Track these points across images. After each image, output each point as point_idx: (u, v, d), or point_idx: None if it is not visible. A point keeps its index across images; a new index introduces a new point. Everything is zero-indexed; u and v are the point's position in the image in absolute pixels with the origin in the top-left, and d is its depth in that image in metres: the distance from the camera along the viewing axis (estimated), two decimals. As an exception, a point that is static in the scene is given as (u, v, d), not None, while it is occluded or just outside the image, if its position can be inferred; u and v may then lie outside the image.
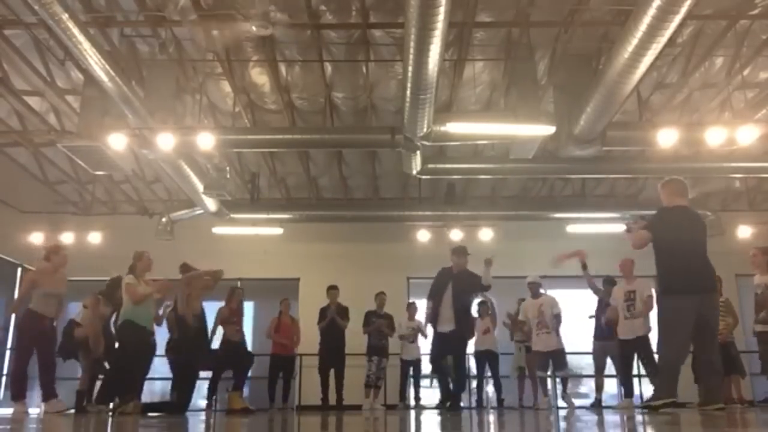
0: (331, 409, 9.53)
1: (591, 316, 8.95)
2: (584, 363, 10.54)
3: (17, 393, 6.82)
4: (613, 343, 8.52)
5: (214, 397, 8.91)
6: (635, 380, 8.90)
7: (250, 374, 9.43)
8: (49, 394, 6.91)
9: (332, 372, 9.79)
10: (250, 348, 9.72)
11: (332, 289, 9.98)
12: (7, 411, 8.07)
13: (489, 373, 10.02)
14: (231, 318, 9.03)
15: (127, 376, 6.66)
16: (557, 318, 8.88)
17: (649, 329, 8.02)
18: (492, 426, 3.43)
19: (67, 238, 11.60)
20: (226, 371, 8.89)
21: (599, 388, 8.88)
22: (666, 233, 5.01)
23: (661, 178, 11.08)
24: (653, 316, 8.47)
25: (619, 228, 11.87)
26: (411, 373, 10.33)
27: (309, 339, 10.17)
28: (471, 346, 10.29)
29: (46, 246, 7.35)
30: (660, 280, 5.04)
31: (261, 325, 10.61)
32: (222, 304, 9.17)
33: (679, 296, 4.88)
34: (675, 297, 4.91)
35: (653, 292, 8.11)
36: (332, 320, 9.75)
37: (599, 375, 8.86)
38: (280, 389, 9.82)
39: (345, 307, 9.95)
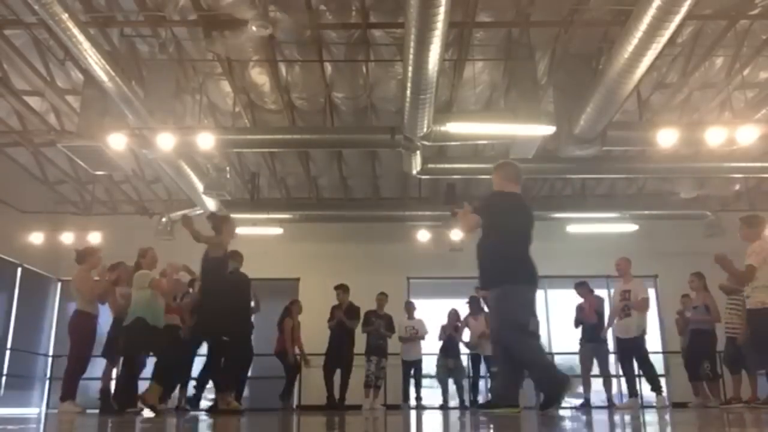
0: (331, 409, 9.52)
1: (580, 324, 9.00)
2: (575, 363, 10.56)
3: (68, 392, 6.83)
4: (599, 345, 8.62)
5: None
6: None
7: (249, 374, 9.44)
8: (67, 394, 6.88)
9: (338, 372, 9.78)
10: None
11: (338, 289, 9.94)
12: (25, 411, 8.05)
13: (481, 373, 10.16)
14: None
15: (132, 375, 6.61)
16: None
17: (643, 331, 8.04)
18: (492, 426, 3.43)
19: (67, 238, 11.62)
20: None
21: (586, 388, 8.93)
22: (499, 219, 4.52)
23: (661, 178, 11.23)
24: (652, 319, 8.58)
25: (620, 228, 11.95)
26: (412, 373, 10.34)
27: (309, 339, 10.15)
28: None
29: (79, 249, 7.38)
30: (498, 269, 4.40)
31: (261, 325, 10.56)
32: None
33: (527, 286, 4.39)
34: (522, 287, 4.36)
35: (648, 293, 8.15)
36: (340, 321, 9.74)
37: (586, 375, 8.91)
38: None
39: (357, 306, 9.89)
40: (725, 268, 6.48)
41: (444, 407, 10.01)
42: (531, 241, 4.52)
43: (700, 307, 8.19)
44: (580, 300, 8.95)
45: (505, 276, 4.35)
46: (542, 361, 4.39)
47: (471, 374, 10.22)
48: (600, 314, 8.79)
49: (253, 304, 8.77)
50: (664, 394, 8.34)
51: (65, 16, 5.81)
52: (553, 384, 4.21)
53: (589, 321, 8.73)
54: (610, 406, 8.74)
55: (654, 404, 8.36)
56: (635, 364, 8.29)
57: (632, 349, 8.06)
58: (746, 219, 6.59)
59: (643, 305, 8.10)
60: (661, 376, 11.31)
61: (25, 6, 6.54)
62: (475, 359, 10.13)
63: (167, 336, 6.86)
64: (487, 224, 4.53)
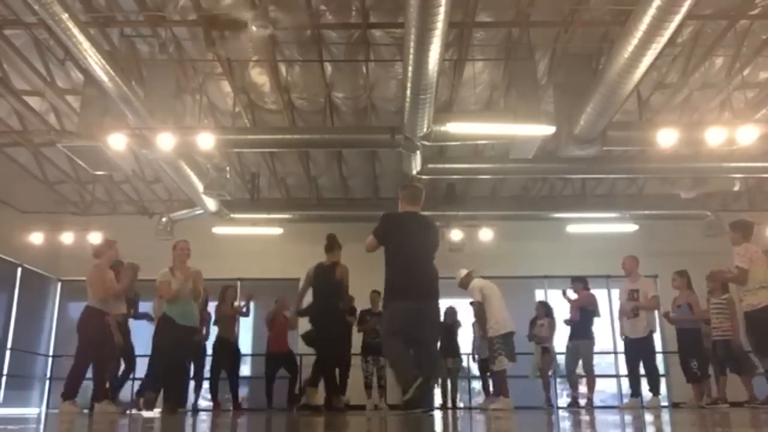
0: (331, 409, 9.50)
1: (566, 321, 9.02)
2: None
3: (70, 392, 6.52)
4: (583, 342, 8.69)
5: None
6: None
7: (249, 374, 9.46)
8: (101, 395, 6.62)
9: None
10: (250, 348, 9.71)
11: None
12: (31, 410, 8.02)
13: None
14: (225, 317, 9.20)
15: (159, 375, 6.55)
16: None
17: (651, 331, 8.03)
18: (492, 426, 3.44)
19: (67, 238, 11.62)
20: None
21: (573, 387, 8.98)
22: (389, 238, 5.11)
23: (661, 178, 11.25)
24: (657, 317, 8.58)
25: (620, 228, 11.95)
26: None
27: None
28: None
29: (96, 244, 7.16)
30: (385, 285, 5.05)
31: (261, 325, 10.57)
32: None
33: (398, 301, 4.92)
34: (394, 302, 4.95)
35: (654, 291, 8.15)
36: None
37: (572, 374, 8.97)
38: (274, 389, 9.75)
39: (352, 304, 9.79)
40: (723, 280, 7.03)
41: (444, 407, 10.00)
42: (424, 254, 5.08)
43: (684, 306, 8.18)
44: (575, 296, 9.02)
45: (385, 296, 5.08)
46: (397, 361, 4.92)
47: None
48: (588, 312, 8.82)
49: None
50: (661, 395, 8.33)
51: (65, 16, 5.80)
52: (403, 382, 4.65)
53: (572, 319, 8.82)
54: (591, 407, 8.79)
55: (648, 404, 8.36)
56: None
57: (641, 350, 8.02)
58: (731, 224, 6.91)
59: (654, 304, 8.11)
60: (662, 376, 11.39)
61: (25, 6, 6.54)
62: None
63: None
64: (383, 244, 5.21)
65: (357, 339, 9.99)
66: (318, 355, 7.30)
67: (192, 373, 8.30)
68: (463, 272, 7.96)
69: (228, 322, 9.17)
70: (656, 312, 8.46)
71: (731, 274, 6.72)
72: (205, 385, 9.04)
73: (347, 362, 9.23)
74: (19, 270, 11.87)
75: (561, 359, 9.49)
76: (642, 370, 8.15)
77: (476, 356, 10.23)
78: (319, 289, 7.26)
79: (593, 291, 9.15)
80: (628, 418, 4.75)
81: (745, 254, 6.52)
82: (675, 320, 8.32)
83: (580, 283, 9.02)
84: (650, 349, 8.08)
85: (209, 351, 9.16)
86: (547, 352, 9.57)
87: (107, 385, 6.79)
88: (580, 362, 8.81)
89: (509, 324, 7.65)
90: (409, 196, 5.28)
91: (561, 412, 7.20)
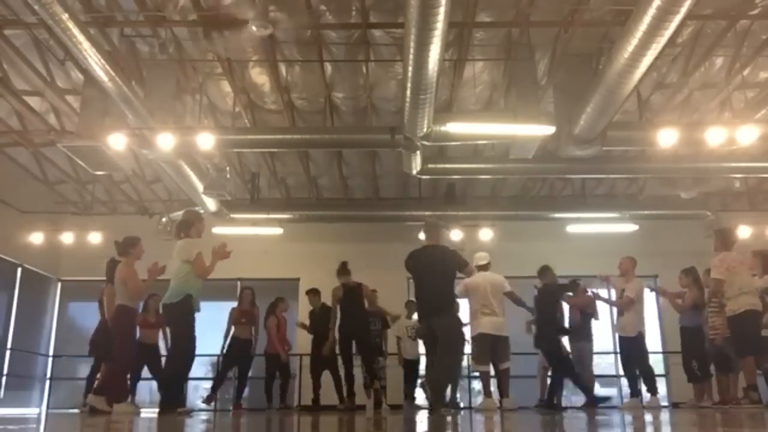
0: (330, 409, 9.51)
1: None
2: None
3: (122, 394, 6.39)
4: (581, 343, 8.72)
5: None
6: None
7: (250, 374, 9.50)
8: (122, 395, 6.46)
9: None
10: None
11: (310, 293, 9.84)
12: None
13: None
14: (240, 318, 9.31)
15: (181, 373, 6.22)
16: None
17: (637, 332, 7.98)
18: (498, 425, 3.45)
19: (67, 238, 11.62)
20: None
21: (585, 389, 8.97)
22: (413, 269, 6.34)
23: (661, 178, 11.23)
24: (652, 319, 8.58)
25: (620, 228, 11.94)
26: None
27: (308, 338, 10.13)
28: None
29: (119, 241, 6.86)
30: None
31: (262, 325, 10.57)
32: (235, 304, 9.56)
33: (420, 320, 6.46)
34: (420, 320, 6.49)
35: (638, 294, 8.10)
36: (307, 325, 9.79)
37: (580, 376, 8.95)
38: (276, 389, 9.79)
39: (329, 307, 9.71)
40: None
41: (450, 405, 9.95)
42: (434, 278, 6.13)
43: (689, 305, 8.18)
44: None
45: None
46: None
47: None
48: (587, 314, 8.83)
49: None
50: (659, 395, 8.32)
51: (65, 16, 5.80)
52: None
53: (573, 320, 8.82)
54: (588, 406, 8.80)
55: (647, 404, 8.35)
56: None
57: (631, 349, 8.05)
58: (715, 232, 7.30)
59: (620, 302, 8.16)
60: (662, 376, 11.39)
61: (25, 6, 6.53)
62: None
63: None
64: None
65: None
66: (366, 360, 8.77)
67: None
68: (482, 258, 7.92)
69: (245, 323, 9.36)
70: (650, 312, 8.50)
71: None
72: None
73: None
74: (19, 270, 11.86)
75: None
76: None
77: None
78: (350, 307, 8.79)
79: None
80: (628, 418, 4.75)
81: (720, 265, 6.80)
82: (662, 292, 8.54)
83: (578, 285, 9.02)
84: (640, 349, 8.07)
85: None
86: None
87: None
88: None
89: (485, 326, 7.54)
90: (429, 235, 6.46)
91: (563, 413, 7.20)
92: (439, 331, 5.94)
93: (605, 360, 11.73)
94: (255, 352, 9.46)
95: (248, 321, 9.30)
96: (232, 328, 9.24)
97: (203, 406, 9.46)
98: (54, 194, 11.97)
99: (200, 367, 10.95)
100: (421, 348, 10.38)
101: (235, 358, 9.18)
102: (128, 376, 7.00)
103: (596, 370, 9.28)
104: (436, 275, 6.09)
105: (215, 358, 10.01)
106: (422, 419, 5.20)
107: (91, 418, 5.46)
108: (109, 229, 11.60)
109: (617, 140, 8.22)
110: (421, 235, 6.71)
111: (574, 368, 8.15)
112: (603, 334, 9.22)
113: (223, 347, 9.22)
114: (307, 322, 9.90)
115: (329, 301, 9.26)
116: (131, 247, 6.68)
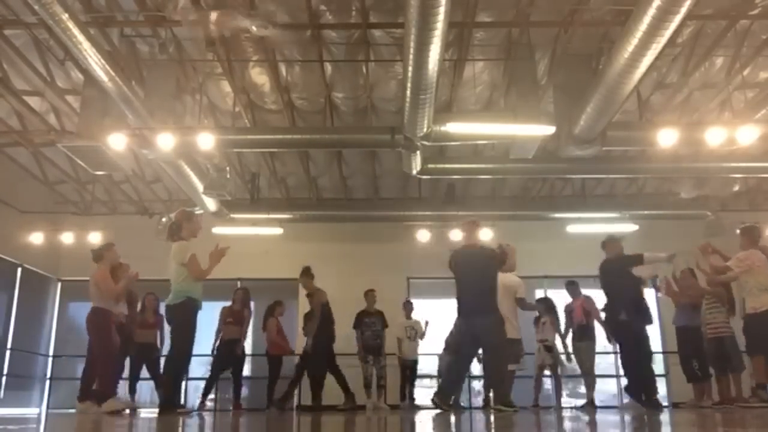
0: (329, 409, 9.51)
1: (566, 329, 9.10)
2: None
3: (108, 392, 6.59)
4: (587, 344, 8.87)
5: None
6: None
7: (249, 374, 9.50)
8: (108, 393, 6.63)
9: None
10: (249, 349, 9.73)
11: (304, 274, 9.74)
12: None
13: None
14: (227, 318, 9.29)
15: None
16: None
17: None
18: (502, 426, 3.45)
19: (67, 238, 11.62)
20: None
21: (537, 389, 9.11)
22: (455, 269, 6.42)
23: (661, 178, 11.22)
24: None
25: (620, 228, 11.95)
26: (407, 373, 10.32)
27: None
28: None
29: (95, 248, 7.16)
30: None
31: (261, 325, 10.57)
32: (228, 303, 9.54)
33: (458, 318, 6.41)
34: (457, 318, 6.47)
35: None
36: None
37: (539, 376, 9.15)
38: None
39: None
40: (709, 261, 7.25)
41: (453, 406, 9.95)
42: (475, 278, 6.23)
43: (687, 304, 8.17)
44: (569, 300, 9.04)
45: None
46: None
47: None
48: (588, 313, 8.85)
49: None
50: (660, 395, 8.31)
51: (65, 16, 5.80)
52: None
53: (578, 321, 8.87)
54: (588, 405, 8.79)
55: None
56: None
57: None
58: (741, 229, 7.06)
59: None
60: (662, 376, 11.39)
61: (25, 6, 6.53)
62: None
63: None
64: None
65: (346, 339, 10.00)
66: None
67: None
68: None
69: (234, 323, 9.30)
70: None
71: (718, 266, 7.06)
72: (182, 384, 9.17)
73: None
74: (19, 270, 11.86)
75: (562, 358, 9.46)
76: None
77: None
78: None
79: (592, 291, 9.15)
80: (627, 418, 4.74)
81: (745, 260, 6.68)
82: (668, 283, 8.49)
83: (575, 287, 9.05)
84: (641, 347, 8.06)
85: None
86: (550, 350, 9.52)
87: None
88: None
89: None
90: (467, 235, 6.76)
91: (564, 412, 7.19)
92: (481, 331, 6.04)
93: (605, 360, 11.73)
94: (243, 351, 9.40)
95: (235, 321, 9.24)
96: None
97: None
98: (54, 194, 11.97)
99: (200, 367, 10.93)
100: (421, 349, 10.46)
101: (224, 358, 9.11)
102: (112, 372, 7.01)
103: (596, 371, 9.29)
104: (477, 275, 6.21)
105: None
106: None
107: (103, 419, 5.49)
108: (109, 229, 11.61)
109: (617, 140, 8.22)
110: (455, 235, 7.03)
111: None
112: (602, 334, 9.20)
113: (213, 347, 9.20)
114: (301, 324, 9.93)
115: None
116: (106, 251, 7.01)
